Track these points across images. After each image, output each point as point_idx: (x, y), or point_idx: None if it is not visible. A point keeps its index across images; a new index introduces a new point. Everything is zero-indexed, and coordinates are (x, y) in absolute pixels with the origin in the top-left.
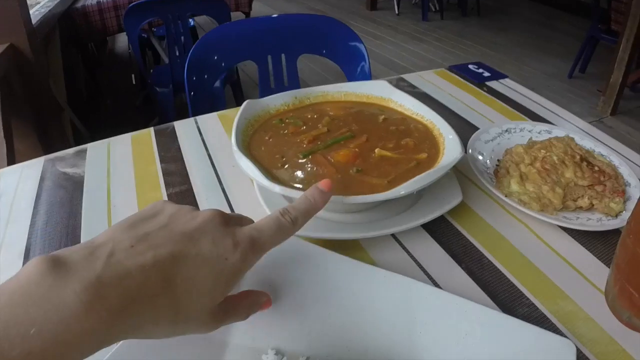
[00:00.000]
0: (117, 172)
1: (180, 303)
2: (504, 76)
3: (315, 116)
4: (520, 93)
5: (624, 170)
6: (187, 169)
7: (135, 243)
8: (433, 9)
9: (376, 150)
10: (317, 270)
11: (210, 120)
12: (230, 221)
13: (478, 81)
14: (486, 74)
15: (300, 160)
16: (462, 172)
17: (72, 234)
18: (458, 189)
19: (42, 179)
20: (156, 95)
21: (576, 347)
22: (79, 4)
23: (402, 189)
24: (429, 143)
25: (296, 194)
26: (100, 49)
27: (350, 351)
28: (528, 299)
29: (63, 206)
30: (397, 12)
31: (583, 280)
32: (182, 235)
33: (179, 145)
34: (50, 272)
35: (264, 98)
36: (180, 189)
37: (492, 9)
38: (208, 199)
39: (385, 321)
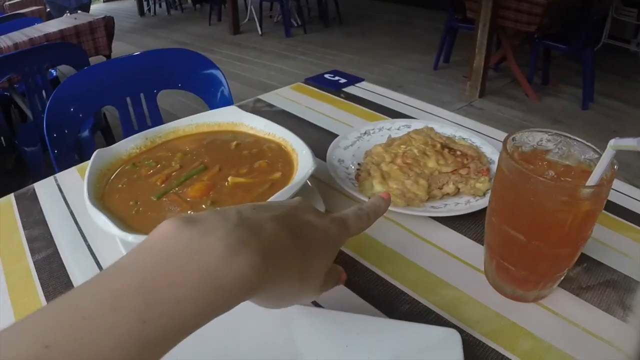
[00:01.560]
0: None
1: (305, 261)
2: (360, 80)
3: (169, 154)
4: (379, 94)
5: (487, 149)
6: (51, 231)
7: (255, 208)
8: (296, 24)
9: (229, 179)
10: None
11: (70, 176)
12: None
13: (335, 89)
14: (342, 80)
15: (154, 203)
16: (325, 182)
17: None
18: (320, 200)
19: None
20: (24, 155)
21: (464, 331)
22: None
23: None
24: (282, 161)
25: None
26: None
27: None
28: (408, 295)
29: None
30: (260, 32)
31: (461, 264)
32: (289, 208)
33: (40, 208)
34: (187, 226)
35: (114, 145)
36: (46, 253)
37: (354, 16)
38: (75, 260)
39: (266, 346)
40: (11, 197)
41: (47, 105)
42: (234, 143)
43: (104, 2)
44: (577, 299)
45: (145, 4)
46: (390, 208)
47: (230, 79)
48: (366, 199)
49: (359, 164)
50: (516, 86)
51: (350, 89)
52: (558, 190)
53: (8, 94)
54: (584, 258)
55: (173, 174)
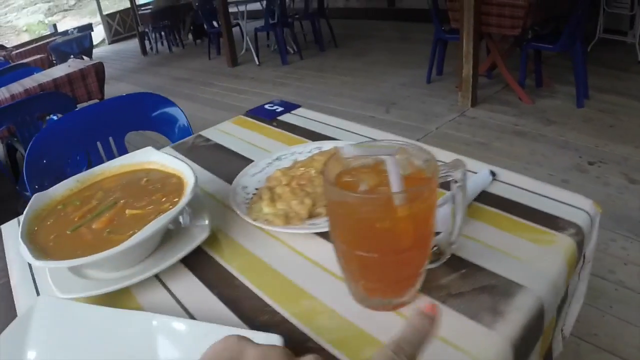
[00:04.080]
0: None
1: None
2: (296, 107)
3: (92, 193)
4: (311, 119)
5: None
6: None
7: None
8: (292, 51)
9: (127, 211)
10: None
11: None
12: None
13: (269, 118)
14: (279, 109)
15: (68, 235)
16: (229, 206)
17: None
18: (206, 224)
19: None
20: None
21: (312, 339)
22: None
23: (133, 239)
24: (178, 193)
25: (54, 264)
26: None
27: None
28: (270, 306)
29: None
30: (257, 62)
31: (329, 275)
32: None
33: (3, 246)
34: None
35: (50, 189)
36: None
37: (349, 37)
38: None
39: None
40: None
41: (25, 161)
42: (145, 179)
43: (109, 44)
44: (442, 307)
45: (147, 43)
46: (270, 228)
47: (228, 110)
48: (250, 220)
49: (256, 189)
50: (510, 91)
51: (285, 117)
52: (366, 202)
53: (10, 142)
54: (464, 264)
55: (91, 209)
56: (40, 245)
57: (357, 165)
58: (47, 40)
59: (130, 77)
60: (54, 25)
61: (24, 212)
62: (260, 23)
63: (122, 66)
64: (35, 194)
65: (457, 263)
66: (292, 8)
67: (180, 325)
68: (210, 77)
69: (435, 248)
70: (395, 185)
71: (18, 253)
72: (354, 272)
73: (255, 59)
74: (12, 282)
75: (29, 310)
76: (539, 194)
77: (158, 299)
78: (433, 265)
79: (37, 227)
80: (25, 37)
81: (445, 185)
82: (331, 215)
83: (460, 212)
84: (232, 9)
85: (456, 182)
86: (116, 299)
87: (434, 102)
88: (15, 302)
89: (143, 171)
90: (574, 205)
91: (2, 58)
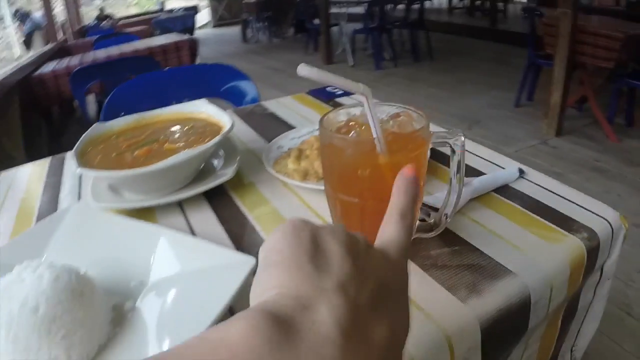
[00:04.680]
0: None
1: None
2: (352, 93)
3: (143, 130)
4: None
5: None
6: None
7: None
8: (387, 58)
9: (165, 146)
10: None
11: None
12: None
13: (327, 98)
14: (339, 92)
15: (112, 157)
16: (262, 161)
17: None
18: (233, 169)
19: None
20: None
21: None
22: (37, 72)
23: (159, 164)
24: (212, 137)
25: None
26: (68, 115)
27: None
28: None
29: None
30: (351, 63)
31: None
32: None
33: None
34: (281, 341)
35: (110, 121)
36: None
37: (447, 52)
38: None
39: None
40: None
41: (103, 110)
42: (191, 125)
43: (213, 27)
44: (422, 274)
45: (249, 31)
46: (288, 180)
47: None
48: (272, 171)
49: (289, 148)
50: (597, 127)
51: (341, 99)
52: (348, 144)
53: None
54: (458, 241)
55: (137, 142)
56: (88, 161)
57: (360, 121)
58: (153, 15)
59: (226, 60)
60: (162, 2)
61: (83, 135)
62: (359, 26)
63: (220, 49)
64: (96, 123)
65: (451, 239)
66: (392, 15)
67: (183, 239)
68: None
69: (432, 221)
70: (375, 131)
71: (70, 175)
72: (338, 218)
73: (350, 59)
74: (61, 195)
75: (64, 211)
76: (563, 197)
77: (175, 223)
78: (426, 235)
79: (90, 149)
80: (133, 11)
81: None
82: (322, 160)
83: (455, 183)
84: (334, 9)
85: (454, 152)
86: (140, 217)
87: (518, 126)
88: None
89: (192, 120)
90: (596, 212)
91: (109, 25)
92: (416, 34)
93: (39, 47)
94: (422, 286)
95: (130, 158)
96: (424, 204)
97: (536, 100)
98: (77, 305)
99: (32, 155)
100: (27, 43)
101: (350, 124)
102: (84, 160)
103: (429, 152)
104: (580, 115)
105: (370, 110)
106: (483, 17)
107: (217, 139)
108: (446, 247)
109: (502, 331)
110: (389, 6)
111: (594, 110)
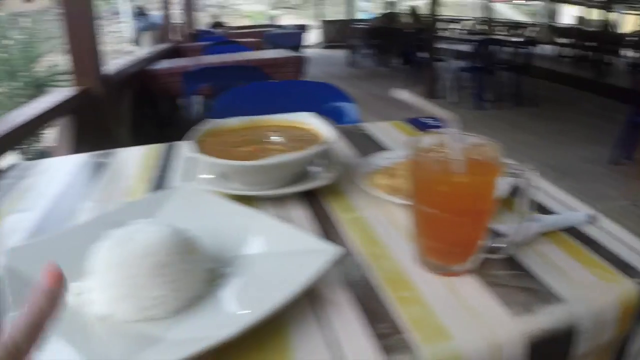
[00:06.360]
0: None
1: None
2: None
3: (253, 131)
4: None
5: None
6: None
7: None
8: (489, 99)
9: (269, 146)
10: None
11: None
12: None
13: (422, 128)
14: (433, 123)
15: (224, 149)
16: (354, 174)
17: None
18: (329, 177)
19: None
20: None
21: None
22: (153, 67)
23: (261, 161)
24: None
25: (206, 159)
26: (173, 111)
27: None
28: (343, 240)
29: None
30: (452, 100)
31: (406, 240)
32: None
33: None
34: None
35: (226, 119)
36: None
37: (549, 100)
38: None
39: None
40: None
41: (212, 109)
42: (296, 132)
43: (322, 48)
44: (484, 288)
45: (356, 56)
46: (373, 192)
47: None
48: (364, 184)
49: (381, 166)
50: None
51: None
52: (433, 163)
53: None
54: (521, 267)
55: (244, 139)
56: (203, 149)
57: (445, 145)
58: (263, 29)
59: (330, 81)
60: (272, 18)
61: (204, 127)
62: (464, 64)
63: (326, 69)
64: (214, 119)
65: (515, 265)
66: (499, 57)
67: (276, 223)
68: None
69: (499, 246)
70: (455, 154)
71: (179, 160)
72: (417, 227)
73: (451, 95)
74: (168, 176)
75: (174, 188)
76: (629, 246)
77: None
78: (491, 256)
79: (207, 139)
80: (246, 22)
81: None
82: (410, 174)
83: (521, 216)
84: (442, 44)
85: (523, 187)
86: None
87: (609, 184)
88: None
89: (298, 129)
90: None
91: (221, 33)
92: (521, 79)
93: (146, 45)
94: (482, 298)
95: (241, 152)
96: (493, 230)
97: (636, 160)
98: (186, 259)
99: (138, 142)
100: (136, 40)
101: (437, 146)
102: (200, 148)
103: (504, 184)
104: None
105: (454, 135)
106: (590, 69)
107: (320, 147)
108: (509, 270)
109: (547, 350)
110: (496, 47)
111: None
